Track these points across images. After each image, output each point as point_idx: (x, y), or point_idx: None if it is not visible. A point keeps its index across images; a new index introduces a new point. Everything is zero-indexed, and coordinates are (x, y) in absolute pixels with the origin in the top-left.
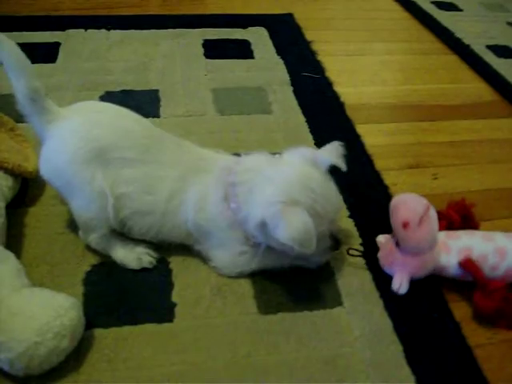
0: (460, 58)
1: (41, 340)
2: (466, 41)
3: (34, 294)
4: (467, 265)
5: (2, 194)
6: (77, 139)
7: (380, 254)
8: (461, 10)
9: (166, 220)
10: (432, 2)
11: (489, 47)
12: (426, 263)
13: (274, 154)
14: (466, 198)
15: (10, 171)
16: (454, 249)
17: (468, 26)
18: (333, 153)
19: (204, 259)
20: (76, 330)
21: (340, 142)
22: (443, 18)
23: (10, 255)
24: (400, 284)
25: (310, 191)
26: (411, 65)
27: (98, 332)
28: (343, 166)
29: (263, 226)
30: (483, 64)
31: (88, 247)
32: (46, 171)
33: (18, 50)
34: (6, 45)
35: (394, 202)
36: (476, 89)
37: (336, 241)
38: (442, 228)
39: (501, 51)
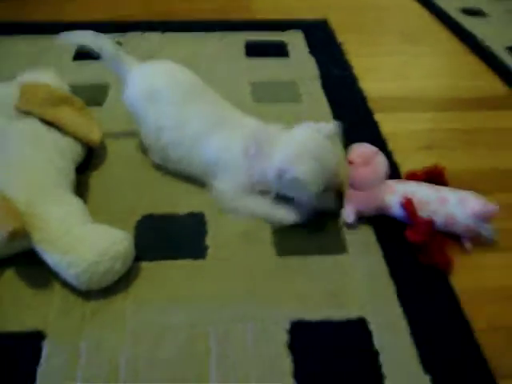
0: (479, 58)
1: (100, 260)
2: (487, 43)
3: (96, 227)
4: (405, 204)
5: (73, 158)
6: (138, 83)
7: None
8: (486, 16)
9: (192, 153)
10: (460, 10)
11: (508, 48)
12: (370, 198)
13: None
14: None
15: (79, 140)
16: (398, 191)
17: (491, 31)
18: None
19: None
20: (127, 256)
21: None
22: (469, 23)
23: (79, 199)
24: (348, 214)
25: (314, 148)
26: (433, 64)
27: (145, 264)
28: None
29: (280, 174)
30: (499, 62)
31: (139, 203)
32: (126, 101)
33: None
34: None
35: (350, 147)
36: (491, 84)
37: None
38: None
39: None
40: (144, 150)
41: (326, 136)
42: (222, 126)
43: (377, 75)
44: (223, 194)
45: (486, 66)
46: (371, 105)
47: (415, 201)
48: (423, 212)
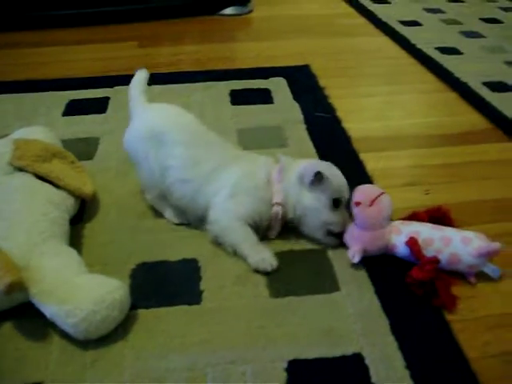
0: (458, 95)
1: (97, 309)
2: (464, 79)
3: (91, 277)
4: (411, 243)
5: (67, 209)
6: (141, 124)
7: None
8: (462, 54)
9: (201, 189)
10: (436, 48)
11: (484, 83)
12: (376, 238)
13: None
14: (447, 207)
15: (72, 193)
16: (404, 232)
17: (467, 67)
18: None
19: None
20: (124, 304)
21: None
22: (445, 61)
23: (74, 251)
24: (354, 254)
25: (326, 165)
26: (413, 103)
27: (141, 312)
28: None
29: (302, 174)
30: (478, 98)
31: (133, 252)
32: (125, 143)
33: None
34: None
35: (356, 188)
36: (470, 120)
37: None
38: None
39: (495, 86)
40: (142, 190)
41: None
42: (238, 159)
43: (360, 116)
44: (224, 212)
45: (465, 102)
46: (356, 145)
47: (420, 240)
48: (428, 251)
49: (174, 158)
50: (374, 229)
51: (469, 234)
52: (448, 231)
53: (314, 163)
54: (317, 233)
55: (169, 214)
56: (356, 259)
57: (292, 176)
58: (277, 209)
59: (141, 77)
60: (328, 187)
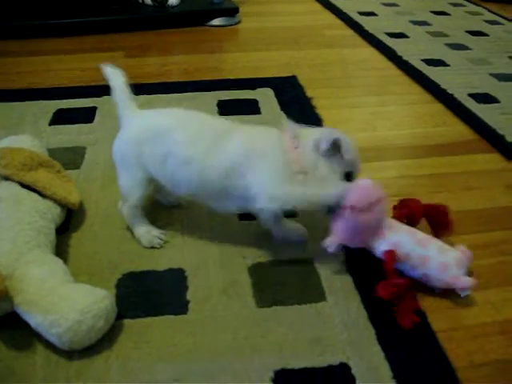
0: (444, 106)
1: (82, 319)
2: (450, 91)
3: (78, 286)
4: (387, 256)
5: (53, 219)
6: (134, 128)
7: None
8: (448, 66)
9: (206, 164)
10: (422, 60)
11: (470, 95)
12: (360, 242)
13: None
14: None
15: (58, 202)
16: (387, 239)
17: (453, 79)
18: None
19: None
20: (109, 314)
21: None
22: (431, 72)
23: (59, 260)
24: (330, 244)
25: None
26: (399, 114)
27: (127, 322)
28: None
29: (318, 141)
30: (464, 109)
31: (119, 262)
32: (115, 147)
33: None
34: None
35: (358, 181)
36: (456, 131)
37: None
38: (401, 215)
39: (481, 98)
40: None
41: None
42: (242, 128)
43: (346, 127)
44: (269, 182)
45: (451, 113)
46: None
47: (399, 252)
48: (403, 265)
49: (172, 144)
50: (363, 235)
51: (450, 256)
52: (430, 249)
53: (331, 130)
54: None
55: (139, 232)
56: (331, 249)
57: (307, 143)
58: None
59: (120, 81)
60: (343, 158)
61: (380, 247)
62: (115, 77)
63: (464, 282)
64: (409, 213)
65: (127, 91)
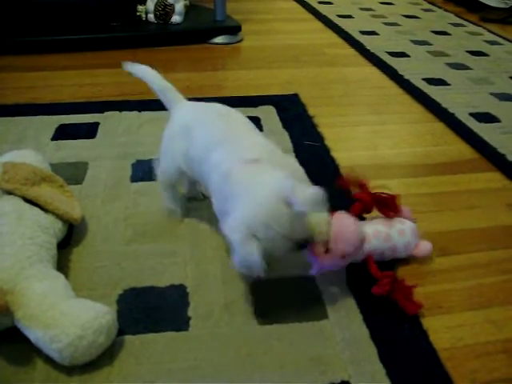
0: (445, 125)
1: (83, 334)
2: (451, 110)
3: (79, 301)
4: (368, 262)
5: (55, 234)
6: (175, 119)
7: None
8: (449, 85)
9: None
10: (423, 79)
11: (471, 114)
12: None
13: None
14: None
15: (60, 217)
16: (364, 251)
17: (454, 98)
18: (310, 199)
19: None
20: (110, 329)
21: (322, 188)
22: (432, 92)
23: (61, 275)
24: (313, 269)
25: (275, 225)
26: (400, 132)
27: (128, 338)
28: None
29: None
30: (465, 128)
31: (120, 277)
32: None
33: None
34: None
35: (336, 226)
36: (457, 150)
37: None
38: (357, 211)
39: (482, 117)
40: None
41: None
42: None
43: (348, 145)
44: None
45: (452, 132)
46: (343, 173)
47: (373, 254)
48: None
49: (195, 138)
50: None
51: (408, 234)
52: (394, 238)
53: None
54: None
55: (166, 204)
56: (313, 273)
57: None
58: None
59: (153, 73)
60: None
61: (358, 257)
62: (145, 70)
63: (424, 247)
64: (362, 207)
65: (165, 81)
